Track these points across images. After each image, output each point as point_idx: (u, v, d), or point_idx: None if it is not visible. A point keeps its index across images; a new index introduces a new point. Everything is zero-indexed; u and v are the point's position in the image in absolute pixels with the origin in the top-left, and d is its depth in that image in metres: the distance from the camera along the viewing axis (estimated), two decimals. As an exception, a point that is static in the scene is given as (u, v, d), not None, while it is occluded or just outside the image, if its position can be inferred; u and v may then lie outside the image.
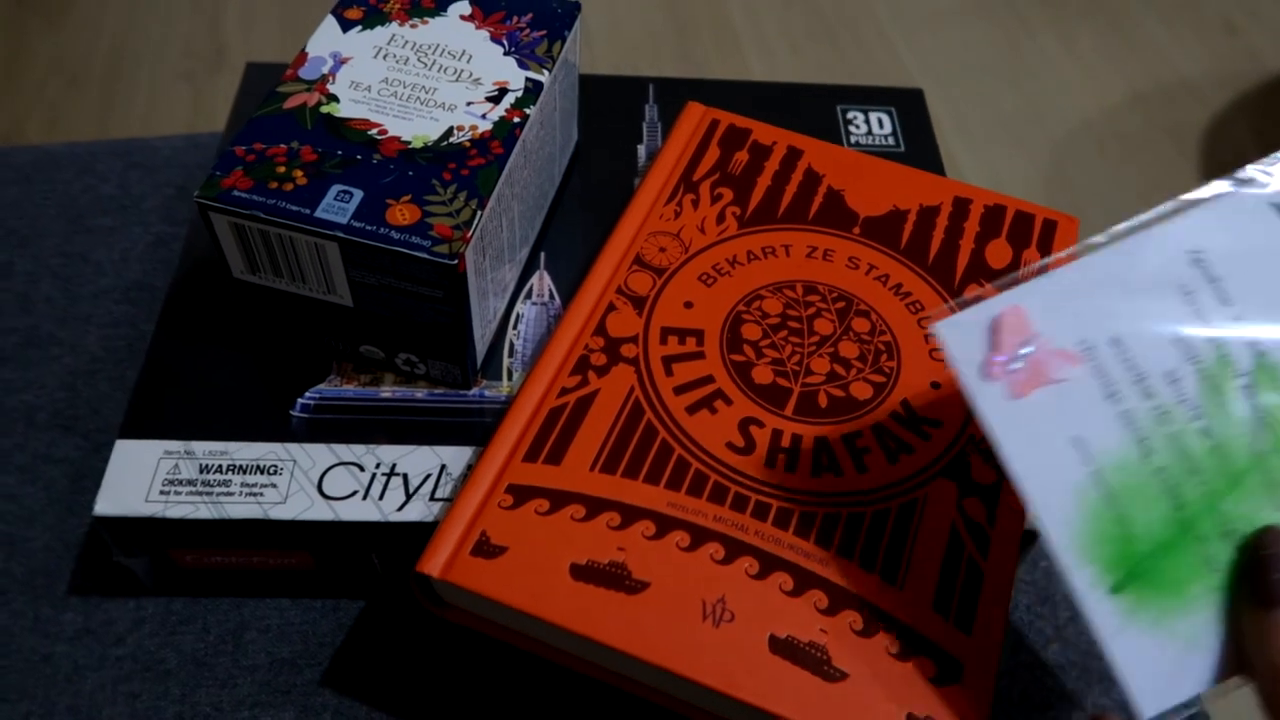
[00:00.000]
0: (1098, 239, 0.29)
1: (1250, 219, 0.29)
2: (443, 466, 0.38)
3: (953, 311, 0.29)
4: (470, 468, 0.37)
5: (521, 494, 0.35)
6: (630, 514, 0.34)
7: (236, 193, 0.35)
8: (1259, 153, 1.25)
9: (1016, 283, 0.29)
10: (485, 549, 0.33)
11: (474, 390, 0.40)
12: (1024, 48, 1.36)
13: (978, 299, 0.29)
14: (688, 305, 0.40)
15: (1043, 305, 0.28)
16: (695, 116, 0.47)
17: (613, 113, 0.51)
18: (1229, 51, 1.37)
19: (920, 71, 1.33)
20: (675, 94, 0.52)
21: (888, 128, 0.51)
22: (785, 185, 0.44)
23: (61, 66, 1.26)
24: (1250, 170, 0.29)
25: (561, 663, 0.34)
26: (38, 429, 0.46)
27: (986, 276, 0.42)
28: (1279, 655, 0.25)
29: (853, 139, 0.51)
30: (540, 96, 0.40)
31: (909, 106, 0.53)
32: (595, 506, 0.34)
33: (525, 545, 0.33)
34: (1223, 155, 1.25)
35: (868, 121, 0.52)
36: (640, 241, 0.42)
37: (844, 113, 0.52)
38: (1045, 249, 0.43)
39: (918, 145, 0.51)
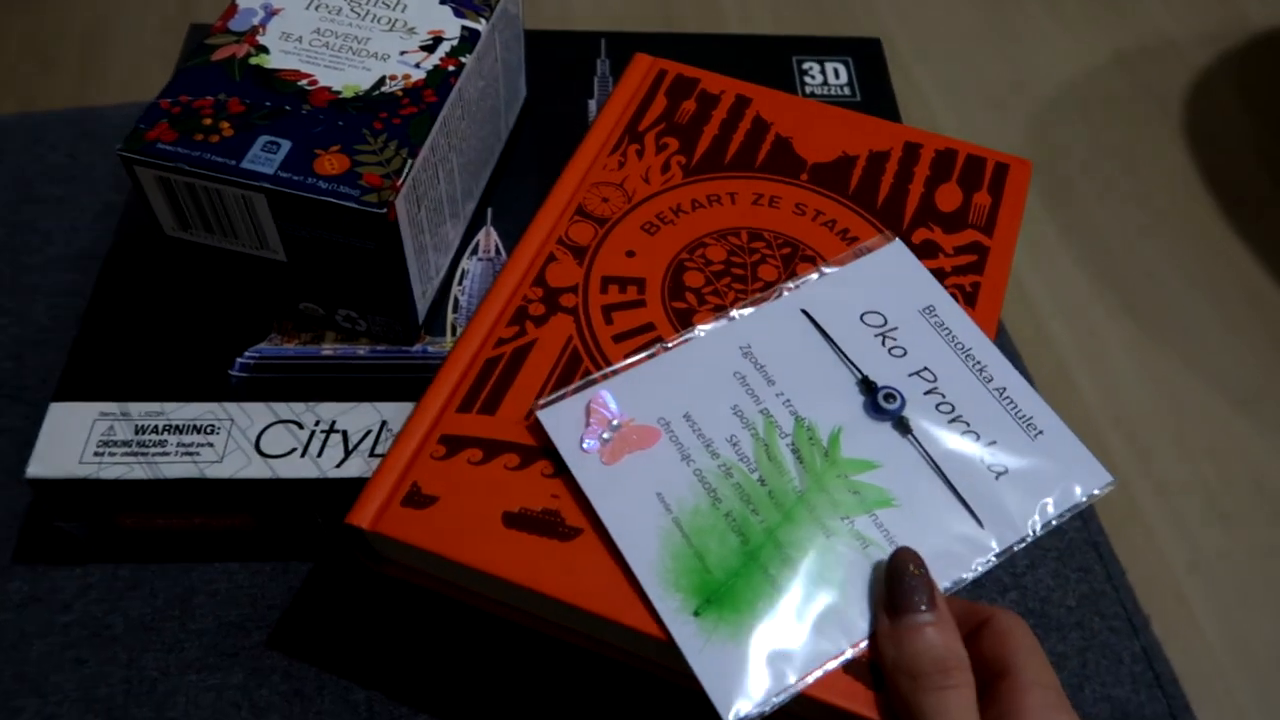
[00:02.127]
0: (668, 342, 0.36)
1: (785, 320, 0.37)
2: (383, 423, 0.37)
3: (552, 402, 0.34)
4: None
5: (454, 444, 0.34)
6: (564, 462, 0.34)
7: (160, 145, 0.35)
8: (1243, 112, 1.24)
9: (605, 377, 0.35)
10: (416, 499, 0.33)
11: (417, 346, 0.40)
12: (1007, 10, 1.35)
13: (572, 391, 0.35)
14: (630, 254, 0.39)
15: (626, 392, 0.35)
16: (643, 67, 0.46)
17: (564, 68, 0.50)
18: (1213, 10, 1.36)
19: (904, 35, 1.31)
20: (627, 48, 0.51)
21: (844, 78, 0.50)
22: (732, 134, 0.43)
23: (34, 47, 1.24)
24: (783, 286, 0.38)
25: (501, 615, 0.34)
26: (-17, 398, 0.45)
27: (935, 220, 0.41)
28: (904, 658, 0.29)
29: (808, 89, 0.50)
30: (477, 45, 0.39)
31: (866, 56, 0.52)
32: (529, 455, 0.34)
33: (457, 495, 0.33)
34: (1207, 115, 1.24)
35: (823, 72, 0.51)
36: (583, 192, 0.41)
37: (799, 63, 0.51)
38: (996, 192, 0.42)
39: (874, 95, 0.50)
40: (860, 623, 0.31)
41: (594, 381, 0.35)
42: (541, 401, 0.34)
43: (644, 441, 0.34)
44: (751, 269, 0.39)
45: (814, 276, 0.38)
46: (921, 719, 0.28)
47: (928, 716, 0.27)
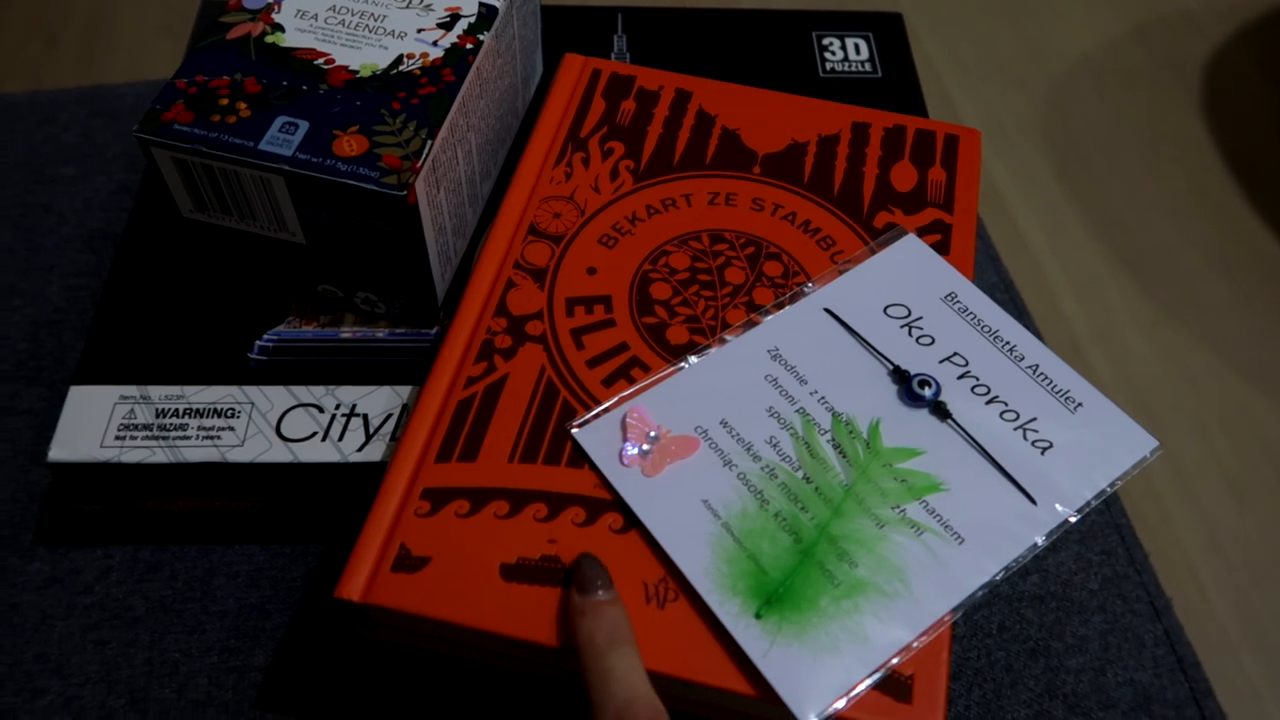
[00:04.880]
0: (691, 358, 0.35)
1: (809, 320, 0.37)
2: (404, 406, 0.37)
3: (587, 422, 0.34)
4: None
5: (439, 498, 0.33)
6: (557, 503, 0.33)
7: (177, 126, 0.34)
8: (1262, 85, 1.22)
9: (637, 393, 0.35)
10: (407, 562, 0.31)
11: (436, 328, 0.39)
12: (1021, -18, 1.33)
13: (606, 409, 0.34)
14: (591, 271, 0.38)
15: (659, 404, 0.34)
16: (575, 69, 0.44)
17: (580, 44, 0.49)
18: (1232, -19, 1.33)
19: (916, 8, 1.30)
20: (644, 24, 0.50)
21: (865, 53, 0.50)
22: (678, 131, 0.42)
23: (40, 25, 1.24)
24: (807, 287, 0.37)
25: (511, 667, 0.33)
26: (0, 381, 0.45)
27: (894, 202, 0.40)
28: (586, 630, 0.29)
29: (828, 65, 0.49)
30: (495, 22, 0.38)
31: (887, 31, 0.51)
32: (519, 500, 0.33)
33: (449, 553, 0.32)
34: (1225, 89, 1.22)
35: (844, 48, 0.50)
36: (532, 210, 0.39)
37: (819, 39, 0.50)
38: (950, 166, 0.41)
39: (895, 71, 0.49)
40: (925, 609, 0.30)
41: (626, 397, 0.34)
42: (576, 421, 0.34)
43: (684, 451, 0.33)
44: (718, 273, 0.38)
45: (833, 276, 0.38)
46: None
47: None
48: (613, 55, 0.49)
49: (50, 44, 1.22)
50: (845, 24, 0.51)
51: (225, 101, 0.35)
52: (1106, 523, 0.44)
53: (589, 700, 0.28)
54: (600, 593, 0.30)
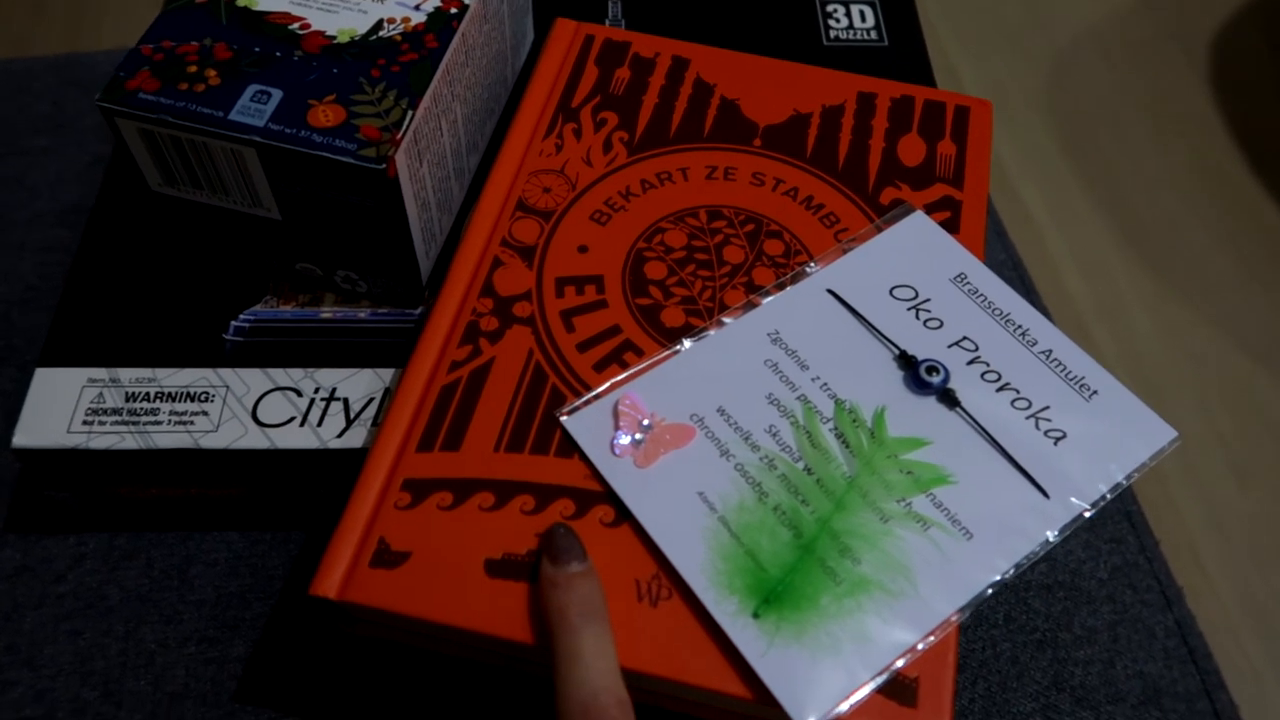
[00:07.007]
0: (687, 341, 0.34)
1: (812, 302, 0.35)
2: (386, 390, 0.35)
3: (577, 409, 0.33)
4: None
5: (420, 489, 0.31)
6: (545, 494, 0.31)
7: (142, 95, 0.32)
8: (1269, 59, 1.20)
9: (630, 378, 0.33)
10: (386, 558, 0.30)
11: (420, 308, 0.38)
12: (1028, -50, 1.30)
13: (597, 396, 0.33)
14: (582, 250, 0.36)
15: (653, 390, 0.33)
16: (567, 34, 0.42)
17: (573, 9, 0.47)
18: (1243, -49, 1.31)
19: (918, -22, 1.27)
20: (640, -11, 0.48)
21: (870, 20, 0.48)
22: (674, 101, 0.40)
23: (25, -11, 1.21)
24: (809, 266, 0.36)
25: (496, 664, 0.32)
26: (-31, 360, 0.43)
27: (901, 177, 0.38)
28: (558, 603, 0.28)
29: (832, 33, 0.47)
30: (481, -14, 0.37)
31: (893, -2, 0.49)
32: (505, 491, 0.31)
33: (431, 547, 0.30)
34: (1233, 62, 1.20)
35: (849, 14, 0.48)
36: (521, 184, 0.37)
37: (823, 5, 0.48)
38: (960, 139, 0.39)
39: (902, 39, 0.47)
40: (931, 608, 0.29)
41: (618, 383, 0.33)
42: (566, 408, 0.32)
43: (678, 440, 0.32)
44: (716, 252, 0.36)
45: (837, 255, 0.36)
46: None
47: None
48: (607, 21, 0.47)
49: (36, 9, 1.19)
50: (849, -10, 0.49)
51: (194, 69, 0.33)
52: (1116, 510, 0.42)
53: (553, 675, 0.27)
54: (574, 564, 0.29)
